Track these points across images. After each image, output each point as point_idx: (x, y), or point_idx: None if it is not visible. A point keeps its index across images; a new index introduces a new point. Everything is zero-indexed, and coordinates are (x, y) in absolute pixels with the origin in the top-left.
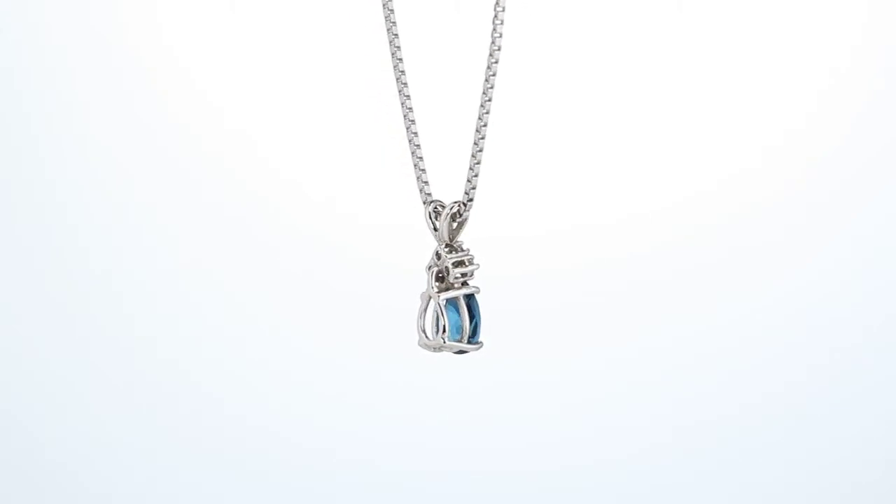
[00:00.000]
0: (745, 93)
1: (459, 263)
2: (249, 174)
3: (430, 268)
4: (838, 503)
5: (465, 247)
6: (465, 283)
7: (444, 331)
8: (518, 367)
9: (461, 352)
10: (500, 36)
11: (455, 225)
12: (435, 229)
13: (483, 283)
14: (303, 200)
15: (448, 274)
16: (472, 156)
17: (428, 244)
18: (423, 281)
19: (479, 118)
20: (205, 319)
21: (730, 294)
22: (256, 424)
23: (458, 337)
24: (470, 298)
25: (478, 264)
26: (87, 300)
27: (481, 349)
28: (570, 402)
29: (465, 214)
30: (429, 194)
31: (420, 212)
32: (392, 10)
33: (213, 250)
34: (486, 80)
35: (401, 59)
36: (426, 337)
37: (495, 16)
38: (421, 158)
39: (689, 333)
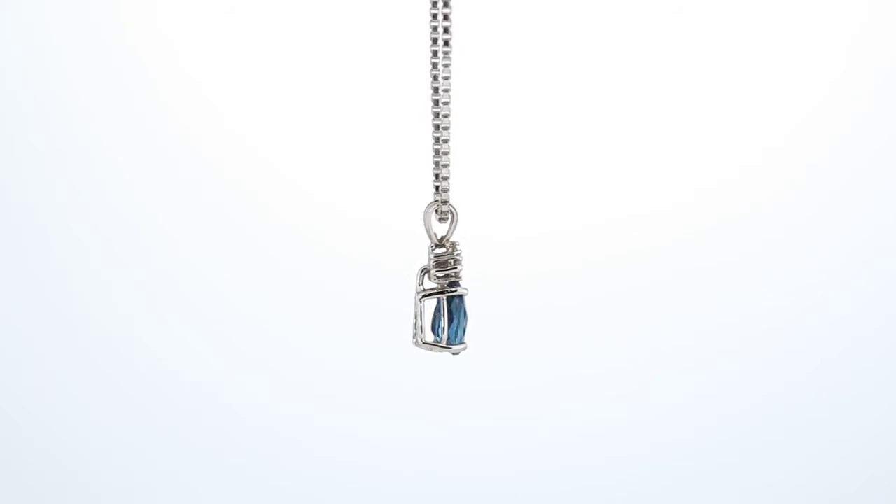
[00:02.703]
0: (746, 93)
1: (442, 264)
2: (249, 174)
3: (421, 268)
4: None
5: (458, 247)
6: (452, 284)
7: (421, 331)
8: (517, 369)
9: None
10: (447, 32)
11: (450, 225)
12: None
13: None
14: (304, 201)
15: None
16: (443, 154)
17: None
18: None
19: (436, 116)
20: (205, 320)
21: (729, 295)
22: (257, 425)
23: (438, 338)
24: (454, 299)
25: (460, 266)
26: (85, 300)
27: (462, 351)
28: (568, 403)
29: (445, 214)
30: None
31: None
32: (447, 6)
33: (214, 250)
34: (446, 78)
35: (442, 56)
36: (415, 337)
37: (445, 16)
38: (446, 154)
39: (688, 334)
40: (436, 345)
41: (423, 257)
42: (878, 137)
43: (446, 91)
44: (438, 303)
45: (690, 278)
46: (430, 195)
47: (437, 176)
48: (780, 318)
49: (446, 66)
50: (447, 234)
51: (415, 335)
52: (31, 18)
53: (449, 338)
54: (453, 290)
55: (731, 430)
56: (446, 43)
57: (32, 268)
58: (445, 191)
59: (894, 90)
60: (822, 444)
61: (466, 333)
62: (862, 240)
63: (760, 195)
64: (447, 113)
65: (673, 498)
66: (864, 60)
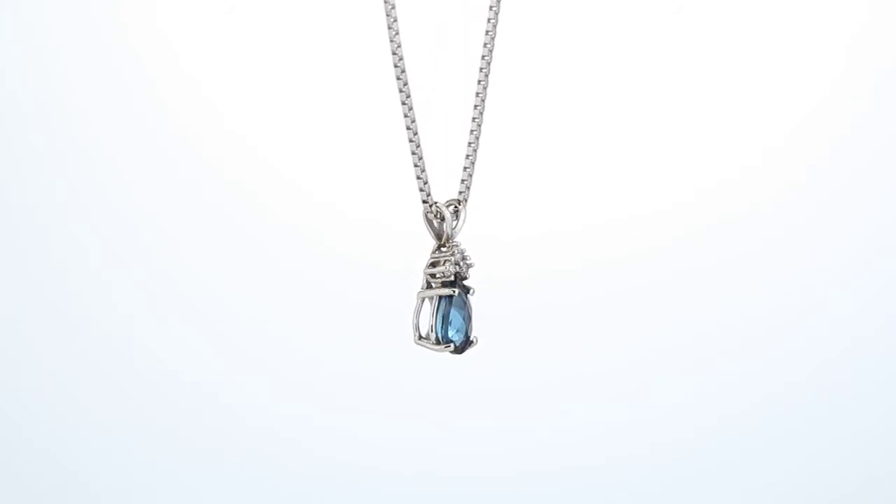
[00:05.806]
0: (746, 93)
1: (434, 264)
2: (249, 174)
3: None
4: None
5: (458, 249)
6: (448, 283)
7: (416, 329)
8: (517, 369)
9: (456, 351)
10: (493, 38)
11: (455, 225)
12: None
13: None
14: (304, 201)
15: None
16: (466, 156)
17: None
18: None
19: (473, 119)
20: (205, 320)
21: (729, 295)
22: (257, 425)
23: (431, 337)
24: (447, 299)
25: (448, 266)
26: (85, 300)
27: (449, 351)
28: (568, 403)
29: (447, 214)
30: (428, 194)
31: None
32: (393, 6)
33: (214, 250)
34: (479, 82)
35: (401, 58)
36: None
37: (489, 19)
38: (421, 158)
39: (688, 334)
40: (427, 343)
41: (424, 257)
42: (878, 137)
43: (484, 89)
44: (433, 302)
45: (690, 278)
46: (430, 197)
47: (462, 179)
48: (780, 318)
49: (488, 63)
50: (447, 232)
51: (413, 333)
52: (31, 18)
53: (438, 337)
54: (447, 290)
55: (731, 430)
56: (485, 44)
57: (32, 268)
58: (422, 189)
59: (894, 90)
60: (822, 444)
61: (463, 334)
62: (862, 240)
63: (760, 195)
64: (481, 111)
65: (673, 498)
66: (864, 60)
